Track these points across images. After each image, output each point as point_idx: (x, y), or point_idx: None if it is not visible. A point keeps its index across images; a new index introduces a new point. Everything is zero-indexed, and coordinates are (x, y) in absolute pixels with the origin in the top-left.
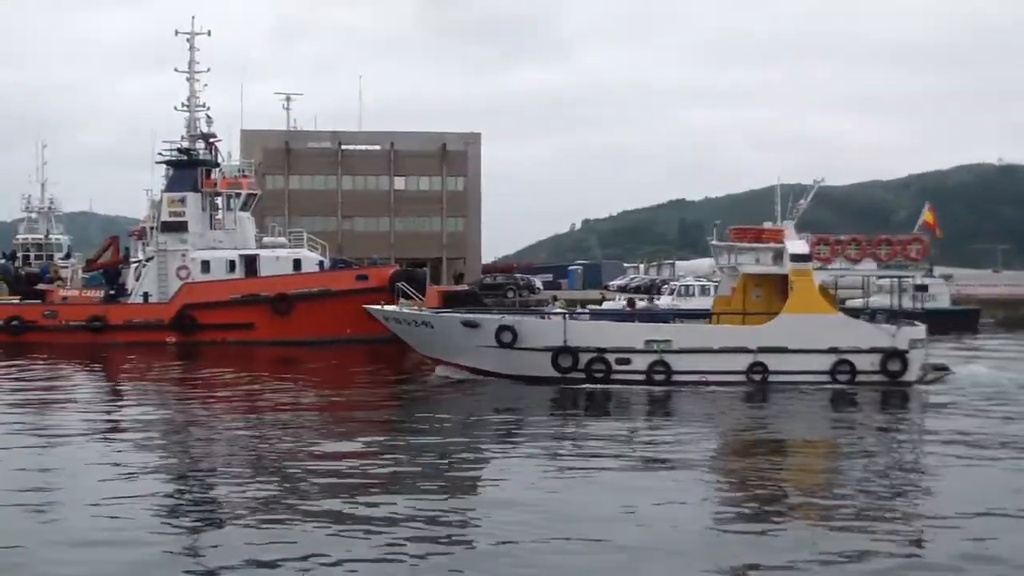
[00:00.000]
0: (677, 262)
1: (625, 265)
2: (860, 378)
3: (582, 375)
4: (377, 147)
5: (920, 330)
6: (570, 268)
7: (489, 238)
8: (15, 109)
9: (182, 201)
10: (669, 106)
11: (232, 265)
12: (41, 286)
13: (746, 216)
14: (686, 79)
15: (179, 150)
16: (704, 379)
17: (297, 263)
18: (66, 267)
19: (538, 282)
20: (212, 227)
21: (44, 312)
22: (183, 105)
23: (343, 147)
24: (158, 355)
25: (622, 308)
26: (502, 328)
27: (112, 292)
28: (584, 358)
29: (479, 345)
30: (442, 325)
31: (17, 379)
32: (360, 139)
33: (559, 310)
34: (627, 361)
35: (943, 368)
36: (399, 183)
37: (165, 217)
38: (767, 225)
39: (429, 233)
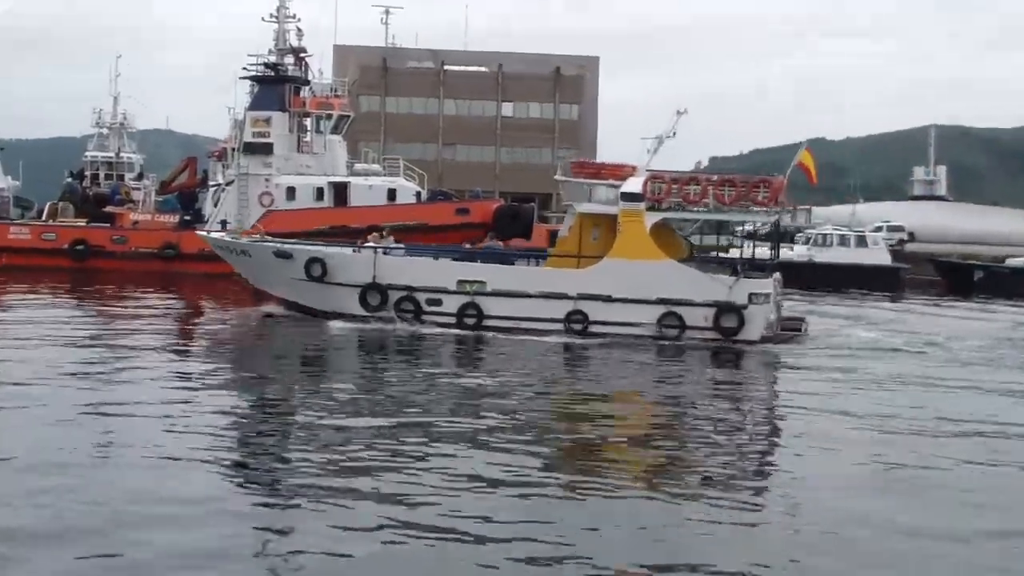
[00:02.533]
0: (814, 208)
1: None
2: (691, 334)
3: (390, 314)
4: (483, 69)
5: (765, 283)
6: None
7: None
8: (89, 24)
9: (267, 121)
10: (809, 35)
11: (320, 193)
12: (110, 208)
13: (889, 157)
14: (830, 6)
15: (266, 65)
16: (518, 325)
17: (392, 193)
18: (138, 188)
19: None
20: (299, 150)
21: (113, 237)
22: (271, 16)
23: (446, 67)
24: (234, 288)
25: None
26: (311, 260)
27: (187, 218)
28: (393, 296)
29: (292, 278)
30: (258, 255)
31: (79, 312)
32: (465, 59)
33: (371, 244)
34: (438, 302)
35: (795, 328)
36: (507, 109)
37: (248, 138)
38: (918, 172)
39: (538, 165)
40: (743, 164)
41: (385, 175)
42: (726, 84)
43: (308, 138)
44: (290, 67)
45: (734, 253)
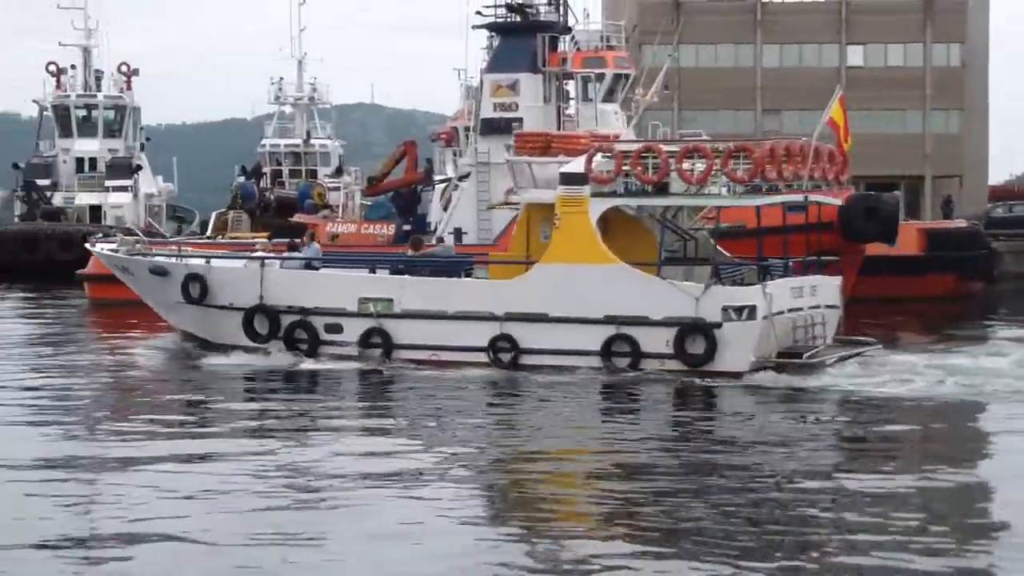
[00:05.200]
0: None
1: None
2: (648, 364)
3: (283, 345)
4: None
5: (749, 293)
6: None
7: (1003, 143)
8: None
9: (513, 87)
10: None
11: None
12: (299, 217)
13: None
14: None
15: (509, 7)
16: (434, 356)
17: None
18: (336, 188)
19: None
20: (560, 127)
21: None
22: None
23: None
24: None
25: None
26: (190, 278)
27: (407, 227)
28: (286, 321)
29: (176, 301)
30: (138, 273)
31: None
32: None
33: (261, 253)
34: (338, 328)
35: (795, 354)
36: (854, 55)
37: (488, 112)
38: None
39: (903, 136)
40: None
41: None
42: None
43: (571, 109)
44: (543, 9)
45: None
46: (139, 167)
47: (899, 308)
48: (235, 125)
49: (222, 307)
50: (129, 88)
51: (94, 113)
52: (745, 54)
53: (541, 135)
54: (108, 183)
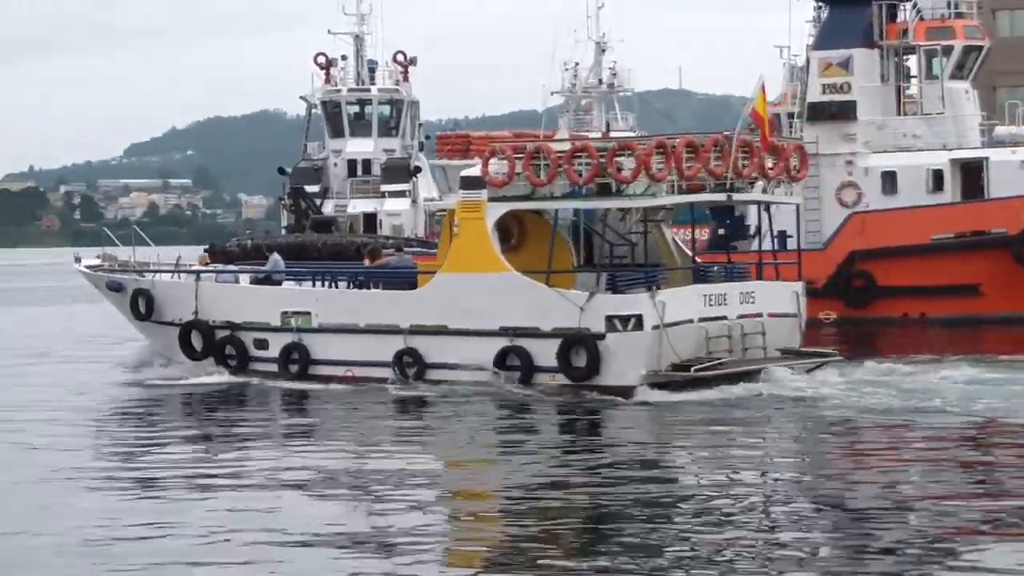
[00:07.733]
0: None
1: None
2: (541, 378)
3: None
4: None
5: (638, 301)
6: None
7: None
8: None
9: (845, 65)
10: None
11: (938, 178)
12: None
13: None
14: None
15: None
16: (349, 372)
17: None
18: None
19: None
20: (900, 111)
21: None
22: None
23: None
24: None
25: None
26: (137, 293)
27: (722, 230)
28: (219, 336)
29: (132, 318)
30: (103, 290)
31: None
32: None
33: (199, 267)
34: (264, 344)
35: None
36: None
37: (815, 95)
38: None
39: None
40: None
41: None
42: None
43: (913, 89)
44: None
45: None
46: (418, 169)
47: None
48: (523, 118)
49: (166, 323)
50: (406, 80)
51: (367, 109)
52: None
53: (461, 137)
54: (384, 188)
